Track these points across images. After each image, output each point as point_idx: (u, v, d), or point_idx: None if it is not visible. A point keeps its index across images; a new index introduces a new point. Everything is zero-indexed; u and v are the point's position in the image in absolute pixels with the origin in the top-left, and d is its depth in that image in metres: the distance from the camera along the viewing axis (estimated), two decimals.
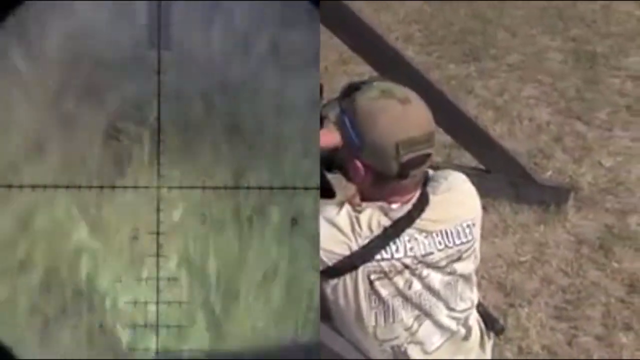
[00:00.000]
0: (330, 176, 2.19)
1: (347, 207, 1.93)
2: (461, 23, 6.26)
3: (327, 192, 2.21)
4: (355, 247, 1.90)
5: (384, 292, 1.94)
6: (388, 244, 1.91)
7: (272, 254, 2.16)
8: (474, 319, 2.17)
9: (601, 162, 4.36)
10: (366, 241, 1.90)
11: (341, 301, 1.98)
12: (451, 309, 2.06)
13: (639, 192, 4.08)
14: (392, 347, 2.04)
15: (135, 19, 2.12)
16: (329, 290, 1.99)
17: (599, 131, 4.69)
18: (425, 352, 2.05)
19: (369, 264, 1.91)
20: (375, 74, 3.81)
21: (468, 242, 2.03)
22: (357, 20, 3.57)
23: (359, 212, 1.91)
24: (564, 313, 3.25)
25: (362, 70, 5.13)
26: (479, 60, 5.72)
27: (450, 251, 2.00)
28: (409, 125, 1.85)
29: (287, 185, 2.16)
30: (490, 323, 2.26)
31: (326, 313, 2.09)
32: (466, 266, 2.06)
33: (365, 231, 1.90)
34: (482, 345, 2.21)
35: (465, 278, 2.08)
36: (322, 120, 2.09)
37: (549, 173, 4.24)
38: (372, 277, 1.92)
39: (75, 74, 2.13)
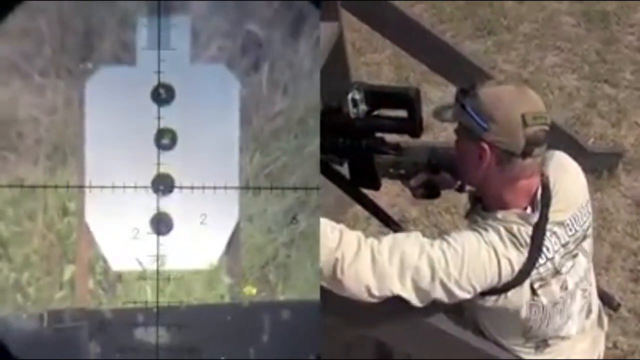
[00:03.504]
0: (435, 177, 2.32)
1: (502, 230, 1.99)
2: None
3: (373, 183, 2.34)
4: (522, 261, 1.99)
5: (545, 300, 2.04)
6: (541, 249, 2.00)
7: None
8: (595, 297, 2.28)
9: (638, 122, 4.46)
10: (526, 254, 1.99)
11: (499, 314, 2.09)
12: (584, 290, 2.18)
13: None
14: (536, 343, 2.17)
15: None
16: (488, 304, 2.06)
17: (628, 91, 4.77)
18: (561, 338, 2.18)
19: (532, 274, 2.01)
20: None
21: (588, 219, 2.14)
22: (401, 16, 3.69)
23: (510, 231, 1.99)
24: None
25: (379, 58, 5.28)
26: (494, 33, 5.70)
27: (578, 234, 2.10)
28: (529, 100, 1.99)
29: (287, 185, 2.34)
30: (606, 300, 2.39)
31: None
32: (589, 242, 2.17)
33: (523, 245, 1.98)
34: (600, 322, 2.34)
35: (590, 255, 2.18)
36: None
37: (592, 140, 4.34)
38: (536, 285, 2.02)
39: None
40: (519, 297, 2.03)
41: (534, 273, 2.01)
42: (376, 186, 2.34)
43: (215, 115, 2.23)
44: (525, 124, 1.93)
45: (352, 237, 1.95)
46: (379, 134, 2.25)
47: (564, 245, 2.07)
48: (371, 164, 2.29)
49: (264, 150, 2.51)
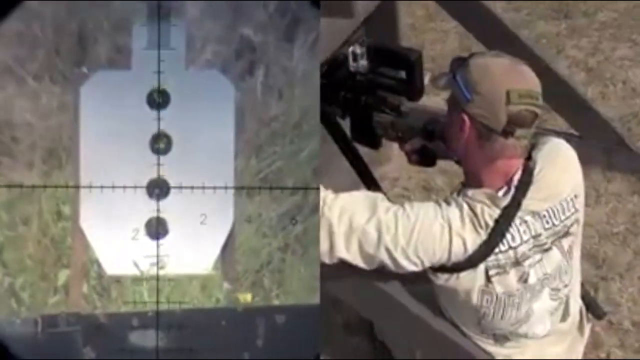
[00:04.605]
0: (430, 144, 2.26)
1: (465, 207, 1.93)
2: None
3: (371, 141, 2.35)
4: (478, 243, 1.92)
5: (499, 289, 1.96)
6: (504, 235, 1.93)
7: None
8: (575, 301, 2.20)
9: None
10: (485, 237, 1.92)
11: (452, 296, 2.03)
12: (555, 290, 2.08)
13: None
14: (494, 335, 2.11)
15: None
16: (439, 282, 2.00)
17: None
18: (524, 336, 2.12)
19: (488, 259, 1.94)
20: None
21: (572, 215, 2.05)
22: None
23: (473, 209, 1.92)
24: None
25: (448, 27, 5.11)
26: (570, 17, 5.47)
27: (556, 229, 2.01)
28: (519, 77, 1.90)
29: (286, 185, 2.32)
30: (591, 306, 2.32)
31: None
32: (571, 240, 2.08)
33: (483, 227, 1.92)
34: (580, 328, 2.27)
35: (568, 254, 2.08)
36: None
37: None
38: (491, 272, 1.95)
39: None
40: (471, 280, 1.96)
41: (491, 259, 1.94)
42: (375, 145, 2.33)
43: (210, 120, 2.24)
44: (508, 100, 1.84)
45: None
46: (380, 93, 2.24)
47: (534, 237, 1.98)
48: (370, 121, 2.27)
49: (260, 155, 2.52)
